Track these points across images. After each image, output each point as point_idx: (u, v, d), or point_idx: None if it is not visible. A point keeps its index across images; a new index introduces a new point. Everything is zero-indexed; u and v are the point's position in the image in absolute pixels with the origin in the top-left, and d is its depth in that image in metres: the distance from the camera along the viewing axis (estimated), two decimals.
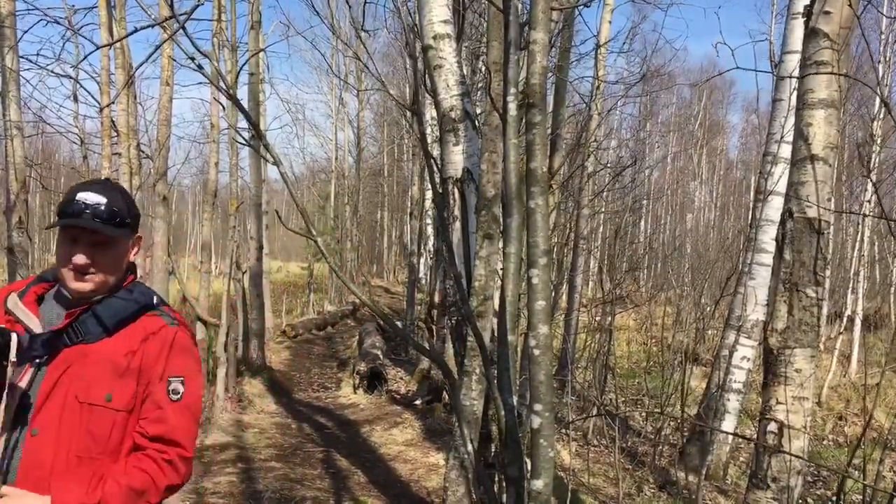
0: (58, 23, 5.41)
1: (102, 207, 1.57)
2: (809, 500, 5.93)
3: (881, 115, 11.91)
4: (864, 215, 11.31)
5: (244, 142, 7.67)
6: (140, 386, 1.58)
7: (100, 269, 1.59)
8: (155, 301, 1.69)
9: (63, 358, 1.55)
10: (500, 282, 3.33)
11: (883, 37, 12.96)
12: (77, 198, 1.56)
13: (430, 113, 7.90)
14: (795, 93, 2.67)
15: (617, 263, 10.74)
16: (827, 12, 2.49)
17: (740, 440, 7.02)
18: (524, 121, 3.28)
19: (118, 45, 6.12)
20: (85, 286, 1.58)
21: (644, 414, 8.04)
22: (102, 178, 1.84)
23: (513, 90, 2.38)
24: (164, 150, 7.16)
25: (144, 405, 1.59)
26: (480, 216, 3.61)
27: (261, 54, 9.82)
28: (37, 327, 1.57)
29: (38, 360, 1.54)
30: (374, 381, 8.86)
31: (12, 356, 1.48)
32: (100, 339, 1.58)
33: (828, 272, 6.12)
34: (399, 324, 8.85)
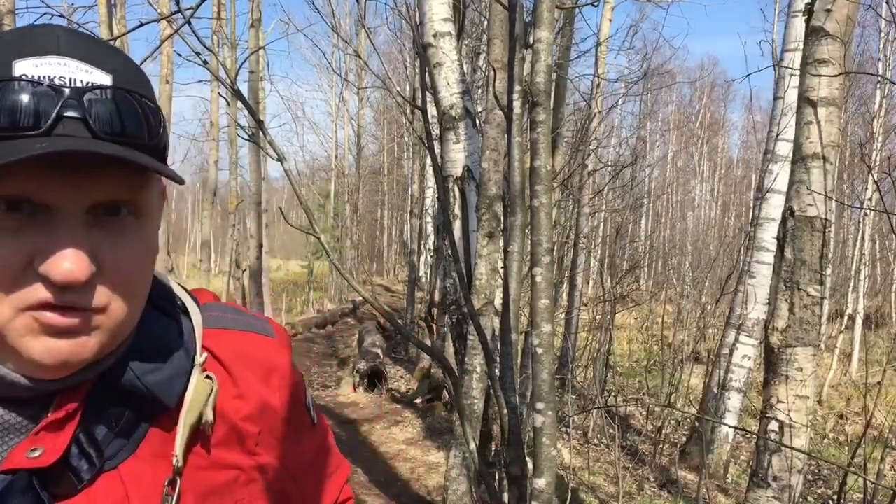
0: (61, 16, 5.41)
1: (110, 95, 0.54)
2: (810, 498, 5.93)
3: (882, 113, 11.91)
4: (866, 209, 11.31)
5: (247, 137, 7.67)
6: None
7: (118, 282, 0.56)
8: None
9: None
10: (500, 280, 3.33)
11: (882, 35, 12.96)
12: (29, 74, 0.52)
13: (429, 111, 7.88)
14: (796, 90, 2.67)
15: (617, 262, 10.74)
16: (828, 10, 2.48)
17: (741, 439, 7.04)
18: (525, 119, 3.28)
19: (118, 42, 6.11)
20: (75, 350, 0.55)
21: (644, 412, 8.04)
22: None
23: (517, 88, 2.37)
24: None
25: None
26: (482, 215, 3.60)
27: (260, 52, 9.82)
28: None
29: None
30: (374, 379, 8.86)
31: None
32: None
33: (829, 271, 6.12)
34: (400, 322, 8.87)
